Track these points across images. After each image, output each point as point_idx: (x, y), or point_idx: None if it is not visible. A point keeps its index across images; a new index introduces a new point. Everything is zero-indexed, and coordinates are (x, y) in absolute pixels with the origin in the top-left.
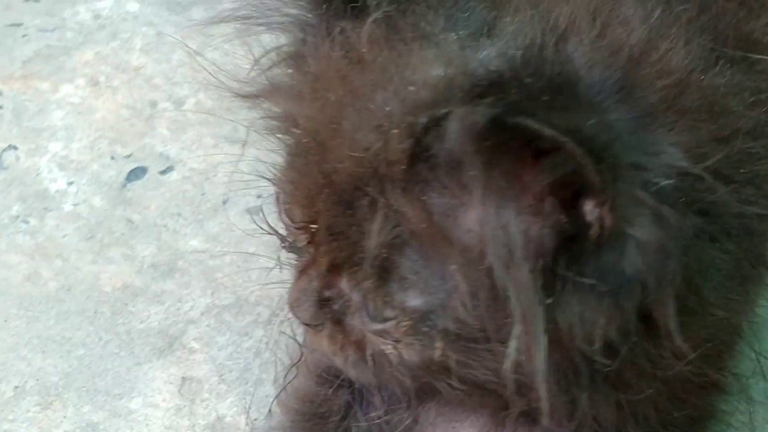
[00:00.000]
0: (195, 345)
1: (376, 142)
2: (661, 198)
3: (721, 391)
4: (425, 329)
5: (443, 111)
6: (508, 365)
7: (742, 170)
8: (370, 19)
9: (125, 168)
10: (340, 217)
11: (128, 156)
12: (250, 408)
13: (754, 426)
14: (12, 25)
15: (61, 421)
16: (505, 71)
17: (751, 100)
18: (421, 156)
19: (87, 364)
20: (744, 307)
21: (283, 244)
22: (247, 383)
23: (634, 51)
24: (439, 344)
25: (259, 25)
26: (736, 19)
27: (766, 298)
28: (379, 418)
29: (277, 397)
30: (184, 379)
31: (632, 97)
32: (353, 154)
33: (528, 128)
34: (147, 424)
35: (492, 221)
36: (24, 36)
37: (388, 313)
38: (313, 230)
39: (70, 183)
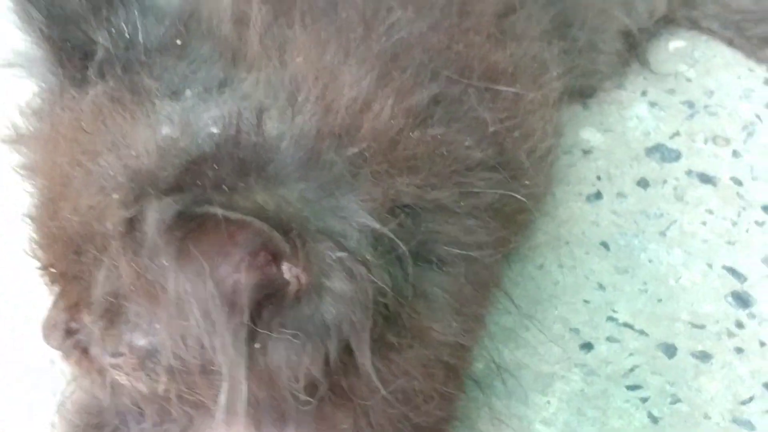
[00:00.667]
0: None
1: (99, 204)
2: (352, 255)
3: (457, 398)
4: (150, 365)
5: (140, 206)
6: (220, 413)
7: (462, 203)
8: (91, 92)
9: None
10: (72, 264)
11: None
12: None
13: (493, 427)
14: None
15: None
16: (206, 151)
17: (483, 134)
18: (132, 228)
19: None
20: (473, 325)
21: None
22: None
23: (342, 115)
24: (163, 378)
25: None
26: (482, 51)
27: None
28: (150, 428)
29: (57, 410)
30: None
31: (320, 167)
32: (78, 213)
33: (213, 214)
34: None
35: (192, 292)
36: None
37: (119, 349)
38: (52, 272)
39: None
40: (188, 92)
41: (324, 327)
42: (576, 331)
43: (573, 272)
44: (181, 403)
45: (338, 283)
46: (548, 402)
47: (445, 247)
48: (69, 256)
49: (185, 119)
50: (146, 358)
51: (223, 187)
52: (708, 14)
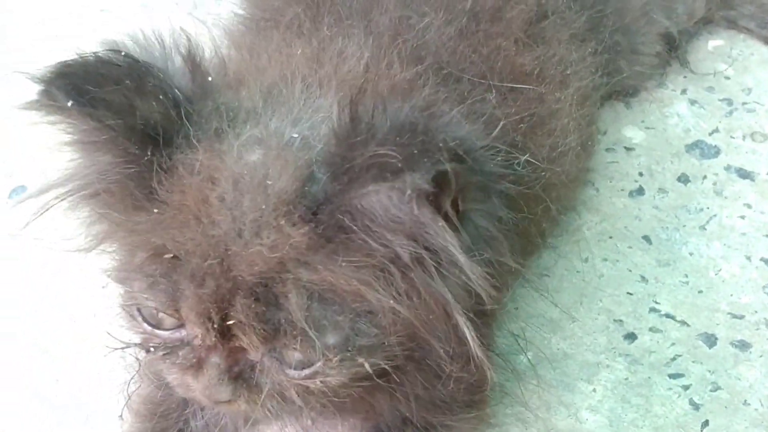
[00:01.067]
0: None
1: (272, 237)
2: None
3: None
4: (348, 354)
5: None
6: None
7: None
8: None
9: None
10: (253, 306)
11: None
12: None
13: (523, 393)
14: None
15: None
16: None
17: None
18: (323, 234)
19: None
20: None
21: (150, 350)
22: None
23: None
24: (361, 359)
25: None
26: (508, 54)
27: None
28: (212, 413)
29: (125, 404)
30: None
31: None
32: (256, 255)
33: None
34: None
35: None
36: None
37: (312, 357)
38: (215, 327)
39: None
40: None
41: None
42: (620, 322)
43: (616, 265)
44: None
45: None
46: (594, 390)
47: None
48: (248, 300)
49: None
50: (342, 351)
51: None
52: (745, 14)
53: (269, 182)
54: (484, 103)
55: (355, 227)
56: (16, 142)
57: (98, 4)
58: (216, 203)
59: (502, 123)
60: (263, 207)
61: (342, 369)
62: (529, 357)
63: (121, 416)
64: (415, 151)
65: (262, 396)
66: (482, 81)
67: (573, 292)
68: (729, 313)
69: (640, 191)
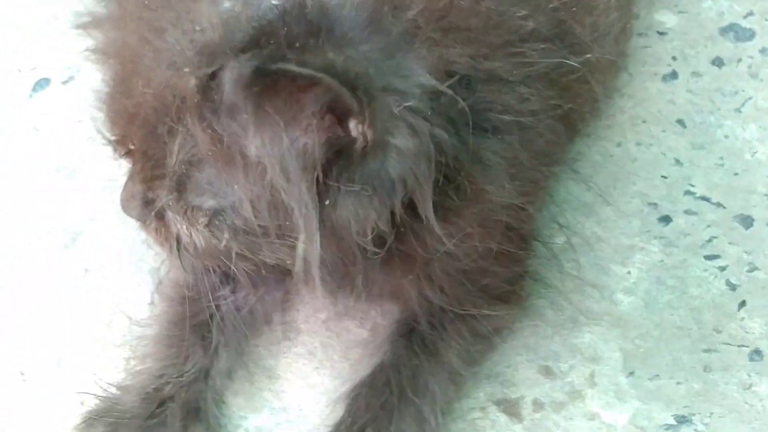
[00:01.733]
0: (95, 239)
1: (171, 78)
2: (414, 112)
3: (521, 257)
4: (216, 224)
5: (216, 66)
6: (299, 262)
7: (515, 72)
8: None
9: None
10: (148, 139)
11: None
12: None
13: (566, 290)
14: None
15: None
16: (273, 19)
17: (530, 7)
18: (207, 95)
19: (1, 258)
20: (530, 188)
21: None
22: (141, 273)
23: None
24: (225, 236)
25: None
26: None
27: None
28: (242, 300)
29: (156, 288)
30: (86, 270)
31: (380, 30)
32: (151, 88)
33: (288, 71)
34: (50, 314)
35: (270, 148)
36: None
37: (188, 210)
38: (129, 147)
39: None
40: None
41: (389, 181)
42: (654, 205)
43: (650, 149)
44: (239, 260)
45: (402, 139)
46: (628, 272)
47: (499, 115)
48: (144, 131)
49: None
50: (213, 218)
51: (296, 45)
52: None
53: (198, 29)
54: None
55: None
56: (39, 34)
57: None
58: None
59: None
60: (184, 49)
61: (206, 234)
62: (562, 240)
63: (151, 302)
64: (266, 40)
65: (163, 230)
66: None
67: (607, 176)
68: (765, 195)
69: (674, 75)
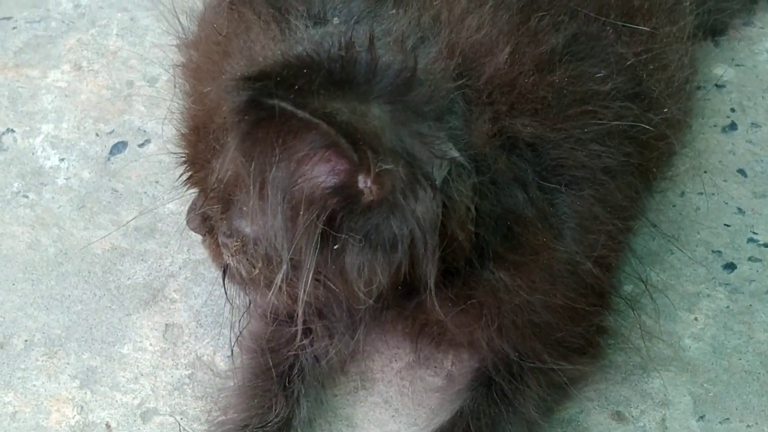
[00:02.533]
0: (175, 295)
1: (220, 100)
2: (423, 178)
3: (605, 312)
4: (251, 251)
5: (228, 91)
6: (274, 294)
7: (587, 130)
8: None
9: (108, 143)
10: (199, 152)
11: (111, 132)
12: (233, 347)
13: (645, 342)
14: (2, 18)
15: (65, 368)
16: (301, 60)
17: (609, 67)
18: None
19: (84, 318)
20: (607, 243)
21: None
22: (220, 326)
23: (457, 49)
24: (259, 264)
25: None
26: None
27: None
28: (322, 347)
29: (236, 341)
30: (167, 325)
31: (417, 95)
32: (202, 105)
33: (284, 109)
34: (137, 366)
35: (277, 184)
36: (14, 28)
37: (230, 232)
38: (187, 159)
39: (62, 159)
40: (336, 20)
41: (392, 240)
42: (719, 253)
43: (712, 199)
44: (278, 293)
45: (409, 202)
46: (695, 318)
47: (573, 170)
48: (196, 144)
49: (319, 40)
50: (248, 245)
51: (310, 88)
52: None
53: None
54: (602, 39)
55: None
56: (116, 100)
57: None
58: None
59: (631, 61)
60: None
61: (243, 260)
62: (629, 288)
63: (231, 354)
64: (290, 78)
65: (215, 246)
66: (598, 18)
67: (670, 225)
68: None
69: (733, 126)
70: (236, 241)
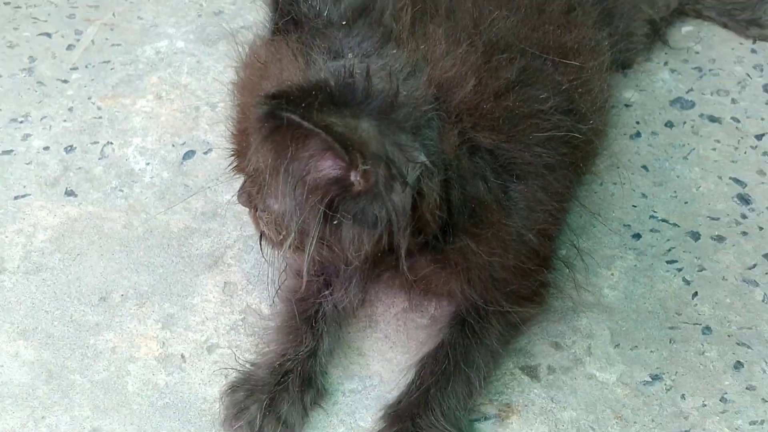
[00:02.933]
0: (231, 261)
1: (253, 109)
2: (396, 176)
3: (547, 270)
4: (277, 222)
5: (254, 105)
6: (289, 253)
7: (532, 137)
8: (266, 35)
9: (181, 151)
10: (242, 147)
11: (183, 143)
12: (273, 298)
13: (575, 292)
14: (103, 62)
15: (151, 314)
16: (316, 83)
17: (556, 89)
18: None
19: (164, 278)
20: (549, 220)
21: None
22: (264, 283)
23: (436, 81)
24: (283, 233)
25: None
26: (555, 36)
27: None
28: (339, 296)
29: (276, 293)
30: (225, 283)
31: (398, 115)
32: (244, 113)
33: (292, 120)
34: (204, 313)
35: (291, 174)
36: (112, 69)
37: (263, 208)
38: (235, 152)
39: (147, 164)
40: (350, 55)
41: (374, 219)
42: (629, 226)
43: (624, 187)
44: (298, 254)
45: (388, 194)
46: (612, 274)
47: (522, 165)
48: (241, 142)
49: (332, 70)
50: (274, 217)
51: (316, 105)
52: (708, 6)
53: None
54: (544, 67)
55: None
56: (187, 119)
57: None
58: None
59: (565, 86)
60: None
61: (275, 231)
62: (564, 252)
63: (272, 303)
64: (303, 96)
65: (255, 220)
66: (541, 55)
67: (594, 206)
68: (708, 217)
69: (638, 134)
70: (267, 215)
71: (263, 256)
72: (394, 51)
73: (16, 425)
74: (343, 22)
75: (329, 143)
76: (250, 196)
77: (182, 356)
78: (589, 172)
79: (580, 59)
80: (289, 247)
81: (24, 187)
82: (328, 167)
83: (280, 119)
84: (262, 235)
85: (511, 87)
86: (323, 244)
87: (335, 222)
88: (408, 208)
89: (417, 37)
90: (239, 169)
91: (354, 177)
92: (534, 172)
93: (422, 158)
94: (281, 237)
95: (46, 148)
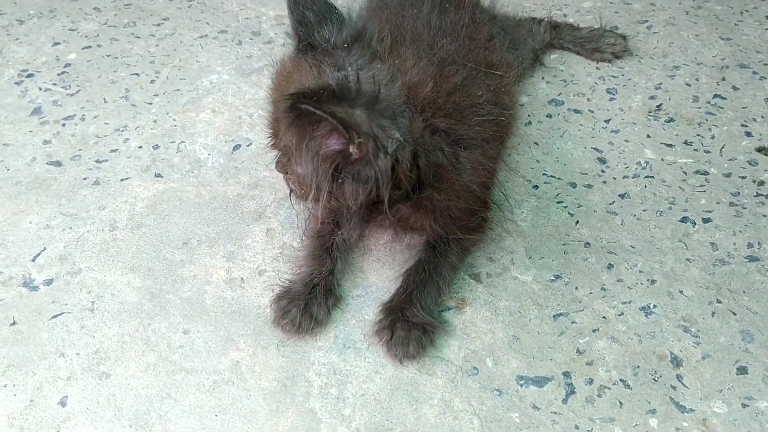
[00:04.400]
0: (270, 215)
1: (282, 102)
2: (381, 147)
3: (486, 209)
4: (301, 182)
5: (281, 101)
6: (311, 202)
7: (474, 120)
8: (299, 57)
9: (231, 145)
10: (277, 130)
11: (232, 140)
12: (302, 236)
13: (503, 224)
14: (174, 90)
15: (218, 252)
16: (324, 86)
17: (482, 90)
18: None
19: (225, 228)
20: (486, 175)
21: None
22: (296, 227)
23: (406, 85)
24: (305, 189)
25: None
26: (484, 55)
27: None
28: (345, 233)
29: (303, 232)
30: (267, 229)
31: (380, 106)
32: (277, 107)
33: (308, 110)
34: (254, 249)
35: (299, 148)
36: (181, 94)
37: (292, 172)
38: (272, 134)
39: (209, 154)
40: (349, 68)
41: (366, 178)
42: (530, 180)
43: (523, 156)
44: (314, 199)
45: (374, 159)
46: (522, 211)
47: (467, 140)
48: (275, 126)
49: (335, 78)
50: (299, 178)
51: (324, 99)
52: (567, 41)
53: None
54: (478, 75)
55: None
56: (233, 123)
57: None
58: (289, 78)
59: (493, 88)
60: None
61: (299, 187)
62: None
63: (301, 239)
64: (318, 94)
65: (287, 180)
66: (476, 68)
67: (507, 169)
68: (580, 173)
69: (530, 123)
70: (294, 177)
71: (293, 206)
72: (379, 65)
73: (131, 329)
74: (345, 45)
75: (334, 125)
76: (282, 165)
77: (242, 279)
78: (507, 145)
79: (501, 70)
80: (310, 198)
81: (127, 172)
82: (334, 143)
83: (299, 109)
84: (291, 192)
85: (457, 88)
86: (332, 196)
87: (340, 181)
88: (389, 170)
89: (394, 56)
90: (274, 146)
91: (352, 149)
92: (475, 143)
93: (398, 135)
94: (303, 192)
95: (140, 147)
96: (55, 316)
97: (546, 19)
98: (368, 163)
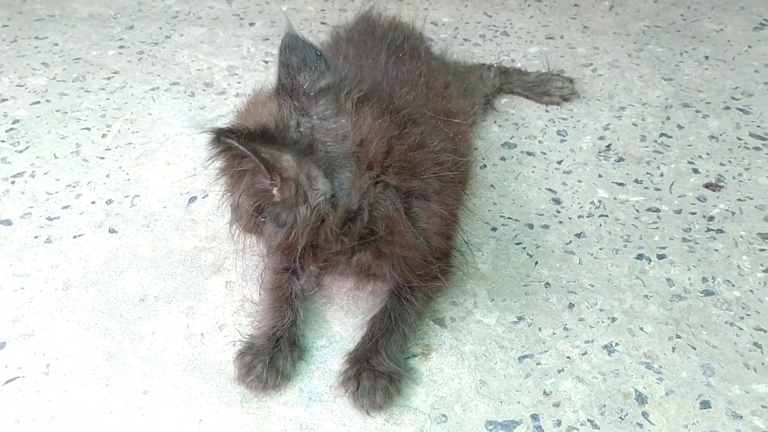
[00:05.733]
0: (229, 267)
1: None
2: (302, 197)
3: (448, 258)
4: (235, 212)
5: (209, 132)
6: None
7: (431, 171)
8: (272, 96)
9: (187, 198)
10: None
11: (187, 192)
12: (260, 289)
13: (464, 268)
14: (127, 144)
15: (177, 308)
16: (261, 126)
17: (440, 139)
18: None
19: (183, 282)
20: (444, 225)
21: None
22: (256, 279)
23: (356, 142)
24: (240, 221)
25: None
26: (441, 103)
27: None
28: (302, 284)
29: (261, 285)
30: (227, 282)
31: (315, 156)
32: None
33: (230, 144)
34: (214, 303)
35: (238, 181)
36: (134, 148)
37: (234, 201)
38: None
39: (164, 207)
40: (314, 115)
41: (284, 222)
42: (488, 223)
43: (481, 198)
44: (271, 241)
45: (295, 208)
46: (482, 254)
47: (420, 191)
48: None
49: (281, 123)
50: (233, 208)
51: (257, 137)
52: (517, 86)
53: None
54: (437, 125)
55: None
56: (188, 178)
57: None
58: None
59: (451, 135)
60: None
61: (235, 216)
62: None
63: (259, 292)
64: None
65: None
66: (434, 116)
67: (467, 212)
68: (536, 213)
69: (485, 166)
70: (234, 206)
71: (233, 240)
72: (343, 120)
73: (88, 391)
74: (312, 94)
75: (257, 164)
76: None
77: (202, 334)
78: (467, 191)
79: (458, 119)
80: (241, 228)
81: (80, 229)
82: (259, 181)
83: (223, 143)
84: (230, 222)
85: (414, 147)
86: (257, 230)
87: (262, 219)
88: (310, 220)
89: (356, 112)
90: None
91: (275, 191)
92: (430, 194)
93: (323, 189)
94: (233, 217)
95: (93, 202)
96: (9, 381)
97: (495, 65)
98: (288, 208)
